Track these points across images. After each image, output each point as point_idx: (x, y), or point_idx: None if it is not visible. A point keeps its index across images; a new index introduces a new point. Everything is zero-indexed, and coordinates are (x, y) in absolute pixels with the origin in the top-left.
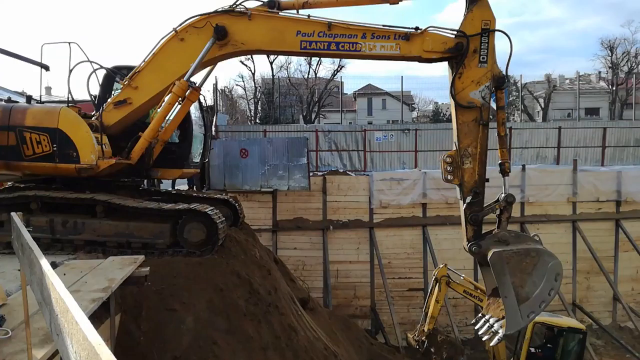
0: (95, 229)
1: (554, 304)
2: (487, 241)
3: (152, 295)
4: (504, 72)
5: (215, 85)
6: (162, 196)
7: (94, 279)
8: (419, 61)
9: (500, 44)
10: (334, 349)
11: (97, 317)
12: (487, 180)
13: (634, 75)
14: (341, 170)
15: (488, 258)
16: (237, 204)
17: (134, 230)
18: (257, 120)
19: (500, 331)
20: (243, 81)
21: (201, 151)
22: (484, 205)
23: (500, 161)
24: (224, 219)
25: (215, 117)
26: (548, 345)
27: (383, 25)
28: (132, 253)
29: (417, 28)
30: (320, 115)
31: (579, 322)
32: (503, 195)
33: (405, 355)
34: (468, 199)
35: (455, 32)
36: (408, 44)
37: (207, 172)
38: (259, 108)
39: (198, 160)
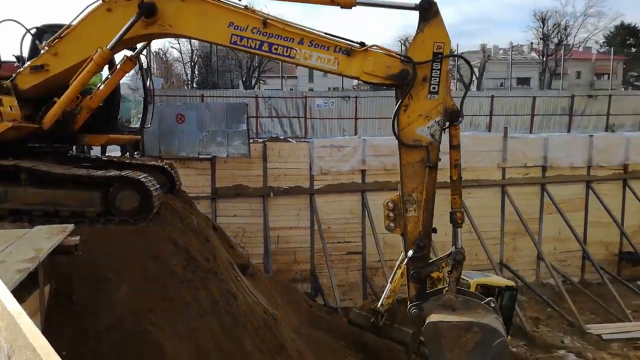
0: (20, 198)
1: (483, 263)
2: (431, 304)
3: (83, 265)
4: (459, 106)
5: (149, 47)
6: (93, 163)
7: (19, 249)
8: (359, 80)
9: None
10: (274, 312)
11: (24, 289)
12: (435, 231)
13: (563, 46)
14: (282, 137)
15: (422, 327)
16: (173, 171)
17: (62, 199)
18: (194, 85)
19: None
20: (179, 43)
21: (140, 116)
22: (430, 261)
23: (451, 210)
24: (158, 186)
25: (149, 81)
26: None
27: (325, 34)
28: (60, 222)
29: (362, 43)
30: (261, 81)
31: (510, 280)
32: (454, 250)
33: (343, 316)
34: (410, 253)
35: (401, 56)
36: (348, 60)
37: (141, 138)
38: (196, 72)
39: (137, 126)
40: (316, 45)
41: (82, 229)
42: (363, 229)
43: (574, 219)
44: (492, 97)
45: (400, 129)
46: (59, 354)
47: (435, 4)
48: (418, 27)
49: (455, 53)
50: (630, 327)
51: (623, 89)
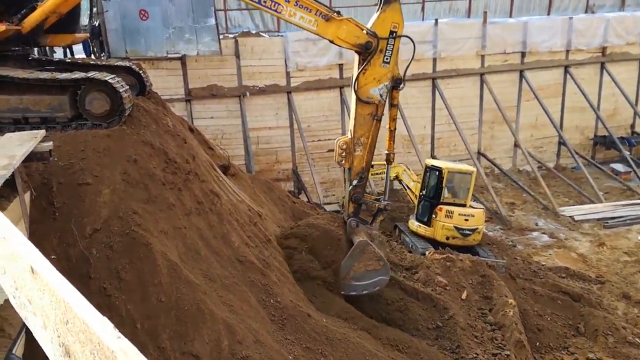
0: None
1: (461, 153)
2: (363, 227)
3: (60, 171)
4: (402, 75)
5: None
6: (57, 65)
7: None
8: (332, 43)
9: None
10: (258, 209)
11: (4, 197)
12: (372, 166)
13: None
14: (254, 32)
15: (356, 240)
16: (141, 72)
17: (30, 104)
18: None
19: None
20: None
21: (88, 12)
22: (371, 197)
23: (386, 151)
24: (127, 87)
25: None
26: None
27: None
28: (31, 129)
29: (338, 12)
30: None
31: (469, 167)
32: (384, 200)
33: (326, 211)
34: (355, 182)
35: (369, 31)
36: (325, 24)
37: (105, 38)
38: None
39: (86, 23)
40: (301, 6)
41: (54, 136)
42: (343, 126)
43: (551, 105)
44: None
45: (359, 88)
46: (48, 258)
47: None
48: (380, 8)
49: (406, 35)
50: (601, 208)
51: None
